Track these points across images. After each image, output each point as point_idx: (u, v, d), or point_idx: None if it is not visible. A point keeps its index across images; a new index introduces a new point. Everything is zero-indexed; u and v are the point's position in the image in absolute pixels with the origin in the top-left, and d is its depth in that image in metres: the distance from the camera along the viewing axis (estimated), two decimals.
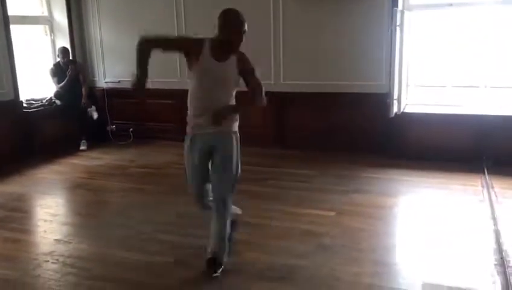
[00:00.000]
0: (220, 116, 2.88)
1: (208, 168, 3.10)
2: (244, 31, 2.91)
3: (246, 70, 2.99)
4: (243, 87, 3.04)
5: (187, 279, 3.07)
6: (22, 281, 3.12)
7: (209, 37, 2.97)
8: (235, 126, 3.10)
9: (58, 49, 6.56)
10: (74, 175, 5.44)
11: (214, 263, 3.02)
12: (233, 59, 2.96)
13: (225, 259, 3.07)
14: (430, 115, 5.56)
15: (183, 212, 4.17)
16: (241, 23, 2.90)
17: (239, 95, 3.06)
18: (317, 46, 5.85)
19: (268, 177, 5.04)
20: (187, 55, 2.98)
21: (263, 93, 3.03)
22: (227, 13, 2.93)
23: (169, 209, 4.29)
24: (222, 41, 2.92)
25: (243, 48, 2.98)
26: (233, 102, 3.05)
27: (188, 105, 3.05)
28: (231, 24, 2.89)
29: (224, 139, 3.03)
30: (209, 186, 3.13)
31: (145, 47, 2.93)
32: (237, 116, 3.10)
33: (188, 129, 3.08)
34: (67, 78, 6.45)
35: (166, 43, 3.12)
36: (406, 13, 5.37)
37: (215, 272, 3.02)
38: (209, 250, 3.06)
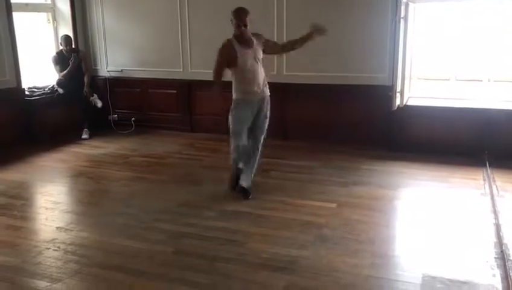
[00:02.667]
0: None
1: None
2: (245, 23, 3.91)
3: (267, 43, 4.24)
4: None
5: (186, 267, 3.08)
6: (22, 268, 3.13)
7: (231, 38, 4.01)
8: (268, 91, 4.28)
9: (61, 37, 6.54)
10: (76, 163, 5.45)
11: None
12: (256, 43, 4.07)
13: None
14: (433, 108, 5.54)
15: (184, 202, 4.20)
16: (245, 16, 3.91)
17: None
18: (320, 38, 5.79)
19: (270, 169, 5.04)
20: (229, 65, 4.07)
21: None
22: (235, 11, 3.93)
23: (170, 198, 4.31)
24: (239, 36, 3.97)
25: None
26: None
27: (236, 87, 4.13)
28: (239, 19, 3.91)
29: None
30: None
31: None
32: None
33: (239, 96, 4.14)
34: (69, 67, 6.44)
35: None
36: (411, 5, 5.33)
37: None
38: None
